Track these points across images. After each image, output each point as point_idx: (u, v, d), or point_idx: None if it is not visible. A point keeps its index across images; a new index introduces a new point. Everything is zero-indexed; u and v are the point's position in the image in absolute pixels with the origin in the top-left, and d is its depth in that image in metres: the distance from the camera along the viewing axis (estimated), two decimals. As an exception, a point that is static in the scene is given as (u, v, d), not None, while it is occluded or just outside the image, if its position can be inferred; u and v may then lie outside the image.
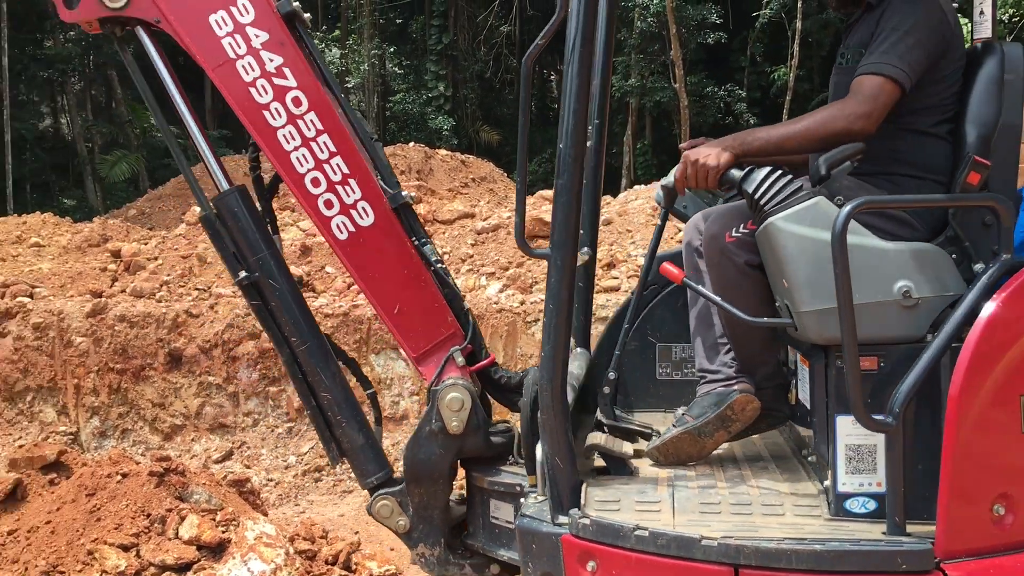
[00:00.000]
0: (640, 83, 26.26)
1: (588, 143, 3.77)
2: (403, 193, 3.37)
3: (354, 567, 5.92)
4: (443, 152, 23.17)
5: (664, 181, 3.25)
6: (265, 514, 6.21)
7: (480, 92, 32.87)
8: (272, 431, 9.00)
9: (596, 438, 3.25)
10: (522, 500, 3.04)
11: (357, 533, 6.62)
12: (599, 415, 3.40)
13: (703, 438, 3.08)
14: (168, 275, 10.46)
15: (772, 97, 26.69)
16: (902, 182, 2.82)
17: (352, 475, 7.98)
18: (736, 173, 2.73)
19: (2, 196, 28.12)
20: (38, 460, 6.03)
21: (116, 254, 11.18)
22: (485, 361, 3.46)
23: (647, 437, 3.27)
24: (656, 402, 3.73)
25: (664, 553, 2.43)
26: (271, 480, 8.20)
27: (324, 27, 34.81)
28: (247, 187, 3.50)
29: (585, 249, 3.69)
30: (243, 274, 3.41)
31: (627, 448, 3.20)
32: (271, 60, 3.18)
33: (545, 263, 2.80)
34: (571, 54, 2.58)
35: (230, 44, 3.16)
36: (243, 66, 3.17)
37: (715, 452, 3.21)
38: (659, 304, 3.72)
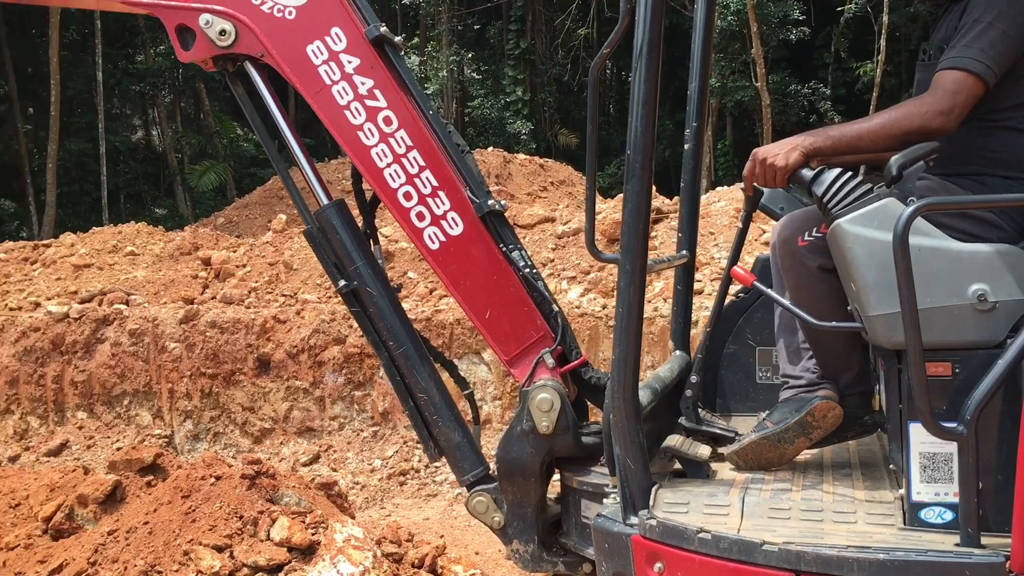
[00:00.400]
0: (720, 82, 25.92)
1: (686, 146, 3.77)
2: (490, 201, 3.50)
3: (440, 570, 5.95)
4: (521, 156, 23.25)
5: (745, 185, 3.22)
6: (352, 517, 6.30)
7: (558, 95, 32.89)
8: (357, 435, 9.13)
9: (673, 441, 3.28)
10: (605, 500, 3.09)
11: (442, 537, 6.66)
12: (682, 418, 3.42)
13: (783, 444, 3.05)
14: (256, 282, 10.71)
15: (858, 94, 26.03)
16: (993, 182, 2.69)
17: (436, 479, 8.07)
18: (806, 173, 2.67)
19: (98, 206, 29.24)
20: (136, 462, 6.21)
21: (207, 262, 11.50)
22: (575, 362, 3.53)
23: (731, 441, 3.26)
24: (756, 406, 3.69)
25: (726, 556, 2.43)
26: (357, 483, 8.31)
27: (403, 34, 35.18)
28: (344, 201, 3.70)
29: (684, 252, 3.69)
30: (343, 283, 3.62)
31: (702, 451, 3.21)
32: (363, 83, 3.37)
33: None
34: (637, 61, 2.59)
35: (326, 71, 3.38)
36: (338, 91, 3.39)
37: (799, 458, 3.17)
38: (759, 307, 3.68)
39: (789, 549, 2.31)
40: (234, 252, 11.75)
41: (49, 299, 11.02)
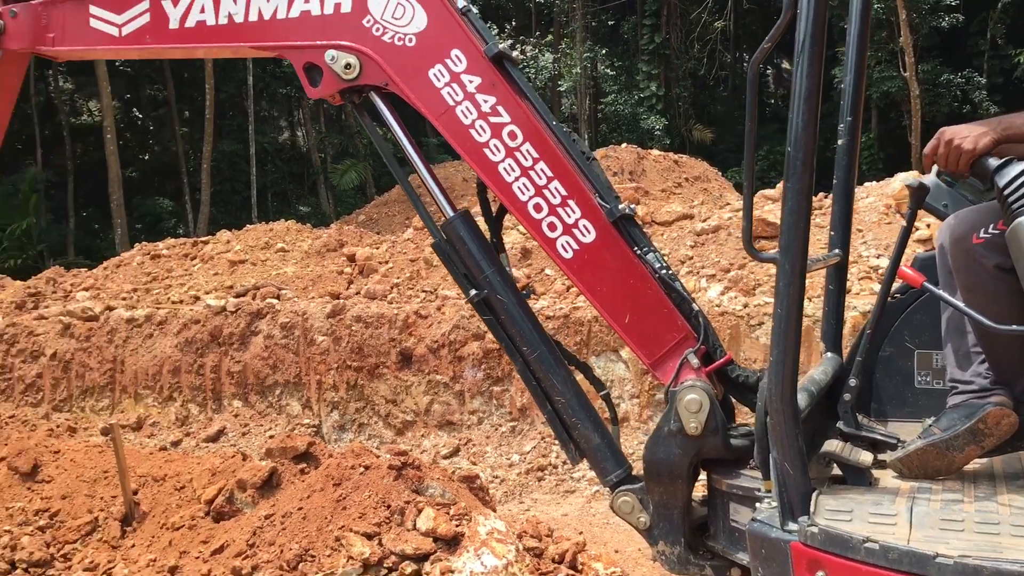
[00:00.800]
0: (866, 73, 24.91)
1: (840, 141, 3.67)
2: (621, 206, 3.49)
3: (580, 567, 5.99)
4: (655, 152, 23.00)
5: (908, 181, 3.09)
6: (494, 510, 6.41)
7: (693, 90, 32.35)
8: (496, 429, 9.28)
9: (832, 446, 3.18)
10: (757, 505, 3.04)
11: (581, 533, 6.69)
12: (840, 423, 3.33)
13: (951, 452, 2.92)
14: (398, 278, 11.02)
15: (1016, 83, 24.53)
16: None
17: (573, 476, 8.11)
18: (992, 162, 2.53)
19: (247, 204, 30.67)
20: (290, 450, 6.49)
21: (351, 258, 11.90)
22: (720, 360, 3.48)
23: (892, 447, 3.15)
24: (914, 412, 3.55)
25: (895, 568, 2.34)
26: (496, 477, 8.44)
27: (537, 32, 35.46)
28: (469, 211, 3.78)
29: (836, 251, 3.59)
30: (473, 292, 3.68)
31: (864, 457, 3.10)
32: (485, 101, 3.44)
33: (770, 265, 2.77)
34: (799, 55, 2.53)
35: (448, 93, 3.45)
36: (462, 111, 3.46)
37: (967, 468, 3.03)
38: (919, 308, 3.53)
39: (965, 563, 2.22)
40: (377, 249, 12.12)
41: (207, 293, 11.66)
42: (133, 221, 29.03)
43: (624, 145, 22.44)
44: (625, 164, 21.50)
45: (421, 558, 5.46)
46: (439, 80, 3.45)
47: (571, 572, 5.91)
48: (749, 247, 2.88)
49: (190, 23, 3.79)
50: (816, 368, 3.61)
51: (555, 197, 3.48)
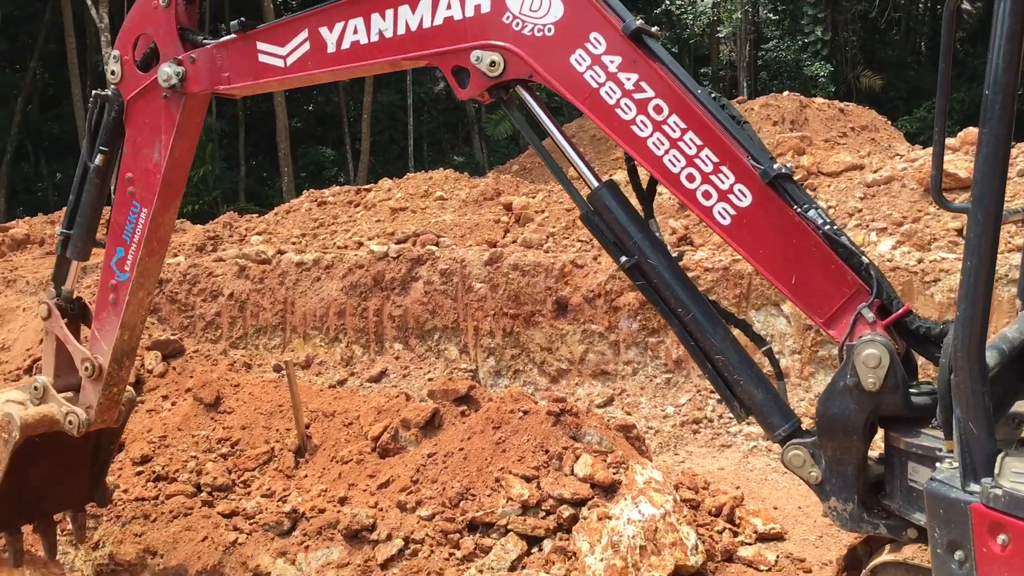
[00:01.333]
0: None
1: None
2: (776, 165, 3.45)
3: (738, 521, 5.94)
4: (819, 100, 22.02)
5: None
6: (650, 460, 6.42)
7: (862, 34, 30.71)
8: (651, 380, 9.25)
9: (1022, 407, 3.06)
10: (937, 464, 2.94)
11: (739, 488, 6.62)
12: None
13: None
14: (554, 227, 11.07)
15: None
16: None
17: (730, 430, 8.01)
18: None
19: (404, 154, 31.47)
20: (451, 392, 6.68)
21: (508, 207, 12.03)
22: (898, 312, 3.39)
23: None
24: None
25: None
26: (650, 428, 8.44)
27: (696, -24, 34.39)
28: (614, 181, 3.85)
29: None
30: (624, 259, 3.74)
31: None
32: (628, 79, 3.48)
33: (947, 219, 2.66)
34: None
35: (591, 76, 3.52)
36: (606, 92, 3.52)
37: None
38: None
39: None
40: (532, 198, 12.19)
41: (370, 239, 12.08)
42: (298, 170, 30.32)
43: (786, 93, 21.57)
44: (786, 113, 20.71)
45: (579, 503, 5.55)
46: (581, 64, 3.51)
47: (728, 526, 5.87)
48: (938, 196, 2.78)
49: (345, 45, 4.03)
50: (1011, 325, 3.43)
51: (707, 165, 3.47)
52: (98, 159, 4.83)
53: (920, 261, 8.09)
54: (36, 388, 5.03)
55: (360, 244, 11.94)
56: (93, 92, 4.96)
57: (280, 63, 4.23)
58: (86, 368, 4.93)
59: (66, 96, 29.61)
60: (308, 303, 11.63)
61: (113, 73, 4.73)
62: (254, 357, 11.38)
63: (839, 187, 10.04)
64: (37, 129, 32.68)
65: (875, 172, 10.00)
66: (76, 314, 5.19)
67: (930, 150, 10.49)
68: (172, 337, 7.91)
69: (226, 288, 11.86)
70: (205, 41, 4.48)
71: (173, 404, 7.22)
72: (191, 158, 4.88)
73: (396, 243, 11.54)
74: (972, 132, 9.20)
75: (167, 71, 4.45)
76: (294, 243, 12.68)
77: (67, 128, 29.27)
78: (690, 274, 7.04)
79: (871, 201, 9.55)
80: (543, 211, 11.63)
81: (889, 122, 23.24)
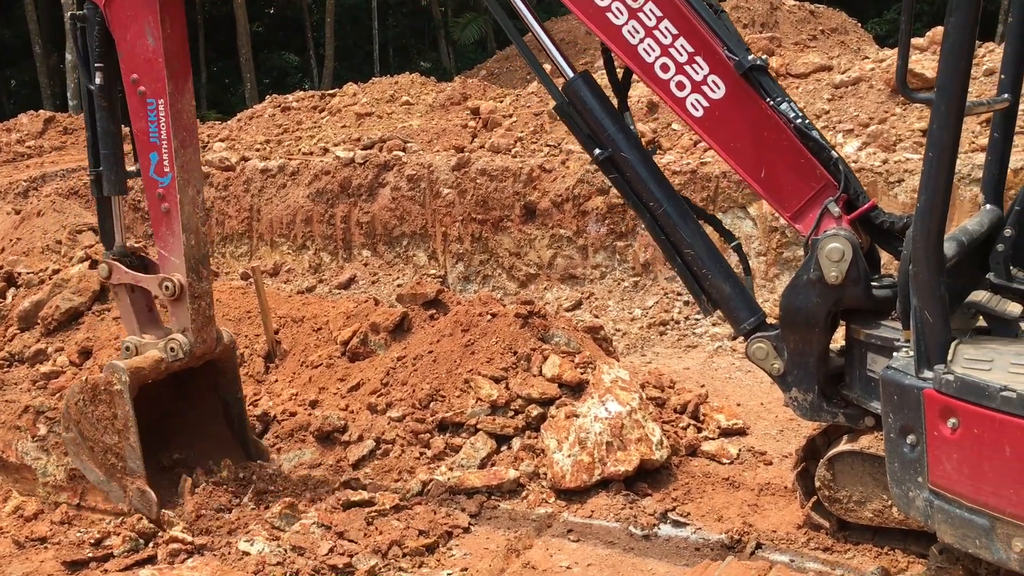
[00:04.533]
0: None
1: None
2: (750, 57, 3.45)
3: (702, 418, 6.08)
4: (790, 2, 21.72)
5: None
6: (617, 360, 6.51)
7: (836, -68, 30.07)
8: (618, 284, 9.32)
9: (979, 296, 3.14)
10: (895, 354, 3.04)
11: (703, 386, 6.76)
12: (991, 274, 3.26)
13: None
14: (522, 132, 10.95)
15: None
16: None
17: (696, 331, 8.12)
18: None
19: (369, 59, 30.79)
20: (420, 296, 6.69)
21: (475, 112, 11.86)
22: (864, 206, 3.44)
23: None
24: None
25: None
26: (618, 330, 8.54)
27: None
28: (589, 72, 3.85)
29: (1005, 95, 3.40)
30: (597, 151, 3.80)
31: (1012, 308, 3.04)
32: None
33: (913, 119, 2.68)
34: None
35: None
36: None
37: None
38: None
39: None
40: (500, 103, 12.02)
41: (336, 145, 11.89)
42: (261, 76, 29.59)
43: (757, -7, 21.18)
44: (756, 15, 20.43)
45: (547, 402, 5.64)
46: None
47: (693, 422, 6.01)
48: (903, 86, 2.79)
49: None
50: (971, 218, 3.48)
51: (681, 55, 3.46)
52: (98, 78, 4.79)
53: (885, 162, 8.12)
54: (128, 348, 5.03)
55: (326, 150, 11.76)
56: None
57: None
58: (167, 288, 4.90)
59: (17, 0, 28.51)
60: (274, 210, 11.51)
61: None
62: (221, 265, 11.30)
63: (807, 88, 9.99)
64: (-13, 35, 31.51)
65: (843, 73, 9.94)
66: (137, 266, 5.12)
67: (892, 52, 10.43)
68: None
69: (190, 196, 11.66)
70: None
71: (139, 312, 7.17)
72: (185, 38, 4.92)
73: (362, 149, 11.38)
74: (940, 31, 9.11)
75: None
76: (258, 150, 12.46)
77: (20, 31, 28.25)
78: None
79: (839, 103, 9.52)
80: (511, 115, 11.49)
81: (859, 24, 23.00)
